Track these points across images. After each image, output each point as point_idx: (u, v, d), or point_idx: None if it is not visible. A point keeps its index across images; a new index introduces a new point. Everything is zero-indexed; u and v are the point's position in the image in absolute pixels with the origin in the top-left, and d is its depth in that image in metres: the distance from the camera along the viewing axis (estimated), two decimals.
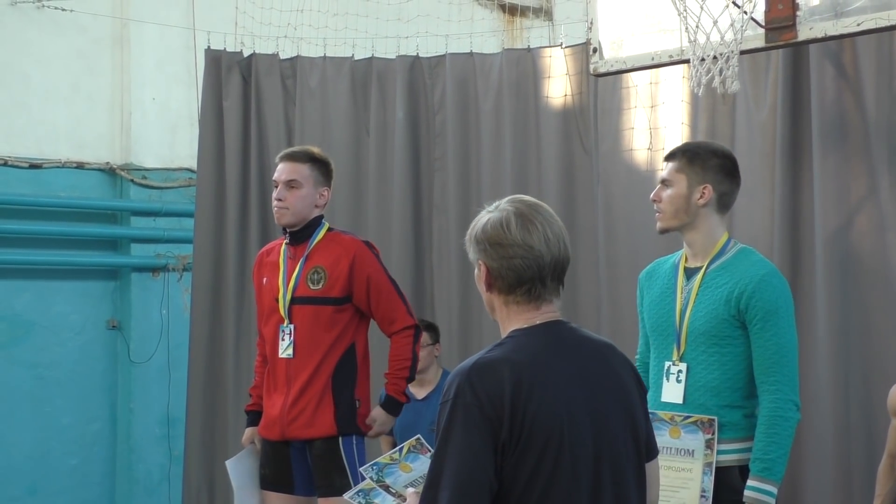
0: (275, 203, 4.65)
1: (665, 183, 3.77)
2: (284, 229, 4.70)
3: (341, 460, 4.53)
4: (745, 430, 3.64)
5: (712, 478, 3.54)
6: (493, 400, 2.39)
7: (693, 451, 3.51)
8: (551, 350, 2.52)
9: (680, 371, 3.63)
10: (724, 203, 3.78)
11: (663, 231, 3.79)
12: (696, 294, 3.66)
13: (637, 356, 3.97)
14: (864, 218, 5.14)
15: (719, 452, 3.56)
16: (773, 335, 3.55)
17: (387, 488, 3.10)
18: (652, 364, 3.80)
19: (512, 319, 2.57)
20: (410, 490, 2.80)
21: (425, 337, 5.72)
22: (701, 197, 3.72)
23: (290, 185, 4.60)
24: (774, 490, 3.52)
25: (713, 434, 3.55)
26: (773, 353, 3.55)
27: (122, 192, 7.94)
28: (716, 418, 3.55)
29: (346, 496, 3.37)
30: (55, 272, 7.66)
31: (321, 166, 4.71)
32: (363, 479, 3.20)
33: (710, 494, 3.54)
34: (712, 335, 3.60)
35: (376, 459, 3.19)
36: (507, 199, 2.60)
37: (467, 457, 2.37)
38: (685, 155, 3.78)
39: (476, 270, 2.62)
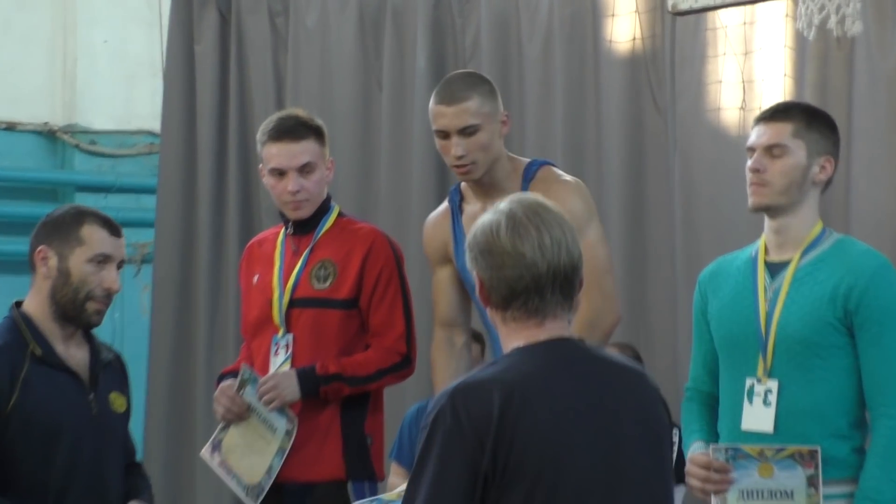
0: (290, 196, 4.55)
1: (773, 150, 3.72)
2: (284, 216, 4.65)
3: None
4: (853, 468, 3.59)
5: None
6: (477, 425, 2.59)
7: (792, 492, 3.47)
8: (552, 371, 2.68)
9: (769, 390, 3.60)
10: (829, 184, 3.78)
11: (762, 209, 3.73)
12: (787, 293, 3.63)
13: (688, 385, 3.90)
14: None
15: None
16: (892, 342, 3.52)
17: None
18: (723, 386, 3.75)
19: (512, 337, 2.75)
20: None
21: (475, 349, 5.72)
22: (822, 171, 3.70)
23: (304, 169, 4.55)
24: None
25: (815, 468, 3.50)
26: (892, 366, 3.51)
27: (63, 162, 7.97)
28: (818, 448, 3.50)
29: None
30: None
31: (321, 133, 4.61)
32: None
33: None
34: (811, 343, 3.57)
35: (379, 496, 3.32)
36: (509, 198, 2.80)
37: (440, 489, 2.58)
38: (804, 116, 3.72)
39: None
